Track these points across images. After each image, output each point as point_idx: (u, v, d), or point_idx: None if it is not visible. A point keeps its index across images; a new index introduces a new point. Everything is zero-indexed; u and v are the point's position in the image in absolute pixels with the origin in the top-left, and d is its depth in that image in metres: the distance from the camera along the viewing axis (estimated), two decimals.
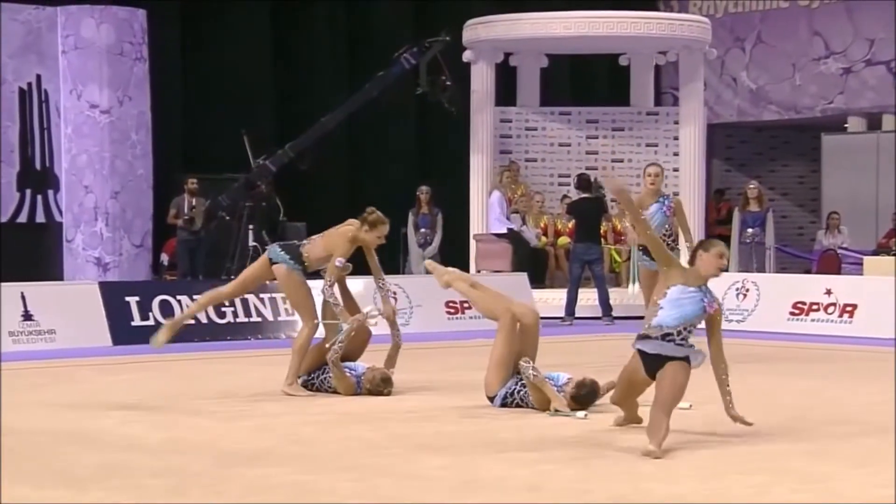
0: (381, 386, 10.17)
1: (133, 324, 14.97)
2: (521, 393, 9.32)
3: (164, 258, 19.97)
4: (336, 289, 10.31)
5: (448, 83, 18.77)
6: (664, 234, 12.47)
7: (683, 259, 12.77)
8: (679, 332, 7.65)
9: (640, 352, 7.79)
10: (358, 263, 10.62)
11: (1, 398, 9.64)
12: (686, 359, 7.64)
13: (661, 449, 7.26)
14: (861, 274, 17.68)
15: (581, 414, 8.87)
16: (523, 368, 9.05)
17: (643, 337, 7.76)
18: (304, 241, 10.66)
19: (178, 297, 15.33)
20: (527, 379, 9.09)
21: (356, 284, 12.05)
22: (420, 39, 19.23)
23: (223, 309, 15.47)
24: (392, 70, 18.85)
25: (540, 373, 9.06)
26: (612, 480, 6.69)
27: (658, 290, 7.79)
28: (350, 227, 10.39)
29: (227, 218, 18.43)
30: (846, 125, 24.57)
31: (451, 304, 16.70)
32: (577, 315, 17.82)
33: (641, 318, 14.20)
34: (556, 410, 8.98)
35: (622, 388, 8.08)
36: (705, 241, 8.08)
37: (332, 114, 18.64)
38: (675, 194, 13.71)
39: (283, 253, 10.49)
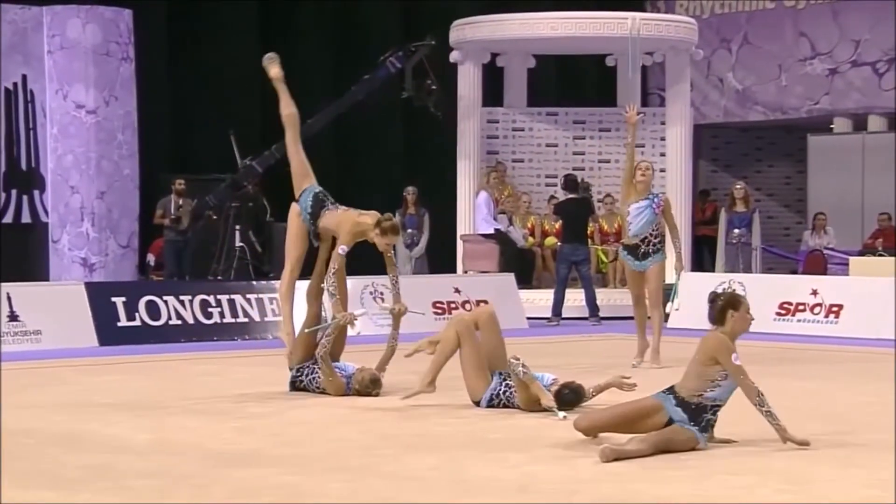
0: (369, 387, 10.17)
1: (119, 324, 14.96)
2: (507, 393, 9.33)
3: (151, 258, 19.95)
4: (335, 279, 10.29)
5: (433, 87, 18.77)
6: (651, 233, 12.49)
7: (670, 259, 12.84)
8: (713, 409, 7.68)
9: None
10: (358, 265, 10.62)
11: (1, 398, 9.61)
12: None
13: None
14: (847, 274, 17.72)
15: (561, 414, 8.85)
16: (513, 365, 9.04)
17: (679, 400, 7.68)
18: (332, 206, 10.59)
19: (165, 298, 15.32)
20: (516, 376, 9.08)
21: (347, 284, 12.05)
22: (406, 43, 19.23)
23: (210, 309, 15.46)
24: (378, 73, 18.84)
25: (529, 370, 9.06)
26: (599, 481, 6.70)
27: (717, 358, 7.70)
28: (366, 220, 10.40)
29: (214, 217, 18.42)
30: (832, 126, 24.63)
31: (437, 305, 16.72)
32: (563, 315, 17.84)
33: (628, 318, 14.30)
34: (550, 408, 8.97)
35: (622, 422, 7.80)
36: (732, 299, 7.86)
37: (318, 116, 18.63)
38: (663, 194, 13.72)
39: (308, 203, 10.56)
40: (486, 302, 13.18)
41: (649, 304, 12.78)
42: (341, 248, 10.30)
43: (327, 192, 10.73)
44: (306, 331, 10.55)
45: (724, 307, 7.75)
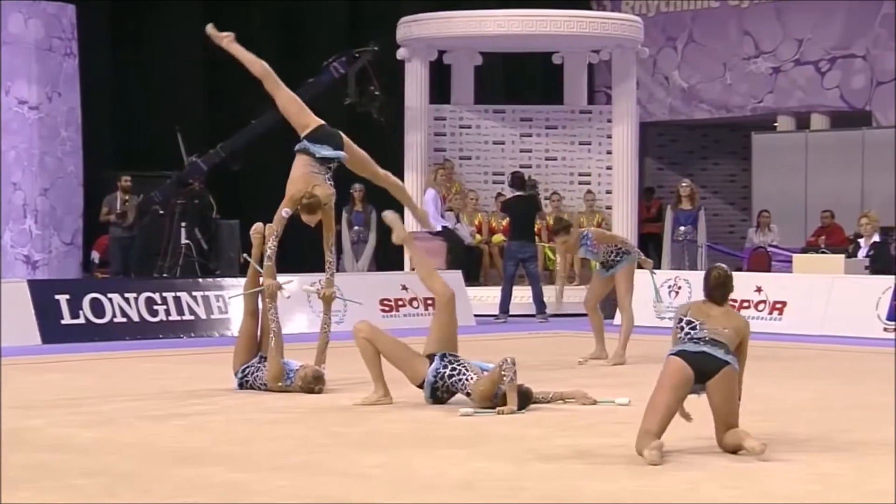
0: (312, 383, 10.15)
1: (63, 322, 14.85)
2: (454, 378, 9.30)
3: (95, 256, 19.81)
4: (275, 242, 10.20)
5: (376, 93, 18.74)
6: (609, 255, 12.66)
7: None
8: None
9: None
10: (296, 260, 10.59)
11: (1, 399, 9.55)
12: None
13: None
14: (790, 272, 17.86)
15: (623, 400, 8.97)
16: (507, 370, 8.99)
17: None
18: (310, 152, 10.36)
19: (110, 296, 15.22)
20: (508, 382, 9.02)
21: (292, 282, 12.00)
22: (350, 49, 19.18)
23: (155, 307, 15.38)
24: (321, 78, 18.78)
25: (516, 378, 9.06)
26: (544, 478, 6.71)
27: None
28: (301, 189, 10.16)
29: (161, 212, 18.32)
30: (776, 124, 24.81)
31: (385, 302, 16.71)
32: (511, 313, 17.88)
33: (576, 315, 14.32)
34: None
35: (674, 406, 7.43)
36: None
37: (263, 118, 18.52)
38: (589, 229, 13.74)
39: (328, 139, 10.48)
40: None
41: (619, 305, 12.94)
42: (284, 212, 10.15)
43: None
44: (245, 293, 10.51)
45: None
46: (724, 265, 7.75)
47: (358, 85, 18.85)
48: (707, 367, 7.29)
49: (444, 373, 9.35)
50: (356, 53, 18.87)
